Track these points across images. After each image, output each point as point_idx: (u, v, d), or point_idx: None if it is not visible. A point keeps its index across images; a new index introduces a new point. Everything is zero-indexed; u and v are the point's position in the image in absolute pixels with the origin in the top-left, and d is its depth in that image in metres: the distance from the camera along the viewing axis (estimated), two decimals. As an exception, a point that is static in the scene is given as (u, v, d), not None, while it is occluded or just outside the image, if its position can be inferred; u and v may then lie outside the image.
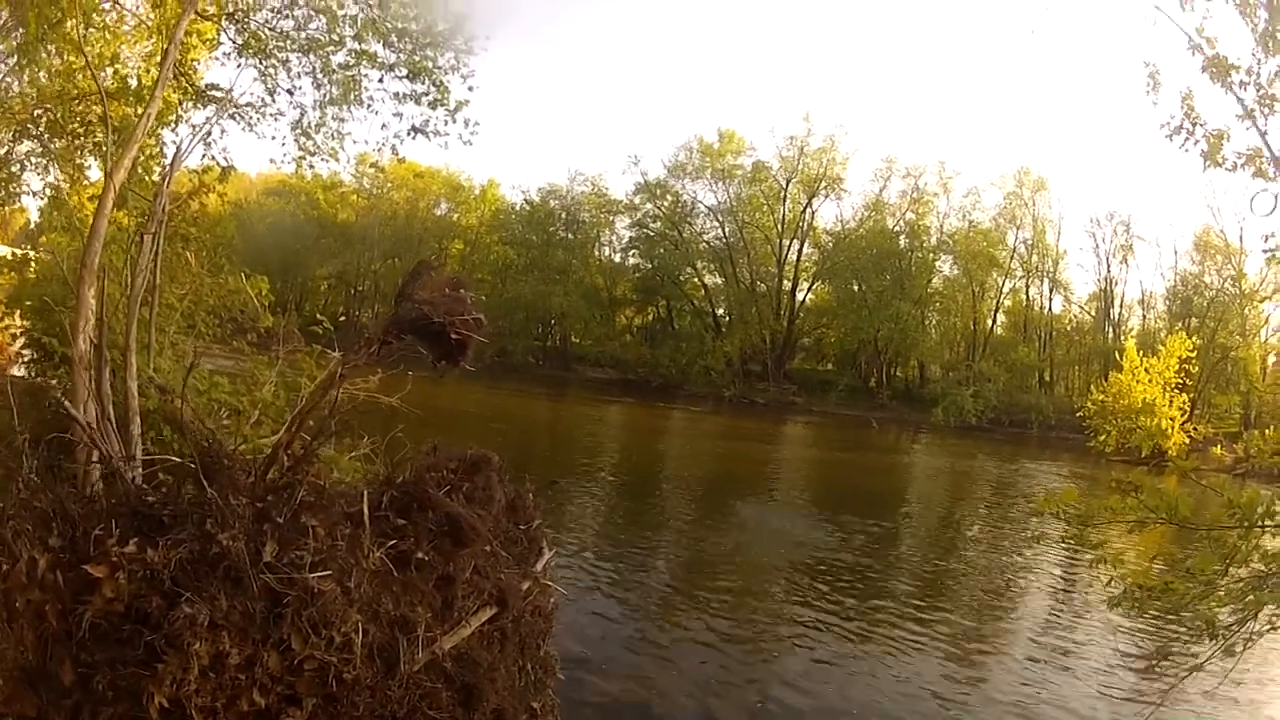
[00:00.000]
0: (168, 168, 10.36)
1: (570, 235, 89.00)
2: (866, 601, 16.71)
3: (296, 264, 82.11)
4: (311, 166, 17.47)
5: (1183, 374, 51.55)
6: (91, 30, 15.78)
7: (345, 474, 7.54)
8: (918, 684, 12.61)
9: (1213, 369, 60.81)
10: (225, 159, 16.22)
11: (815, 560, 19.73)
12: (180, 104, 16.07)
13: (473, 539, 5.69)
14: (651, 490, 29.15)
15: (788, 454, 46.35)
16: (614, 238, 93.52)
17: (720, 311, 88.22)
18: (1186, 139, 8.69)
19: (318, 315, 12.46)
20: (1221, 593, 7.67)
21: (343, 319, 78.41)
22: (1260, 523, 7.23)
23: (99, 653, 4.57)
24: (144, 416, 7.28)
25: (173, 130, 16.04)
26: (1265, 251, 9.59)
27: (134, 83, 15.34)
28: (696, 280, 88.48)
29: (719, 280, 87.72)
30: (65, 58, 15.63)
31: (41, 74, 15.89)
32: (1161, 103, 8.93)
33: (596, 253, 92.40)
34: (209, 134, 15.65)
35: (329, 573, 4.87)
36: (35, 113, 15.81)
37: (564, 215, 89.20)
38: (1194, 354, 52.75)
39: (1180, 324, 65.47)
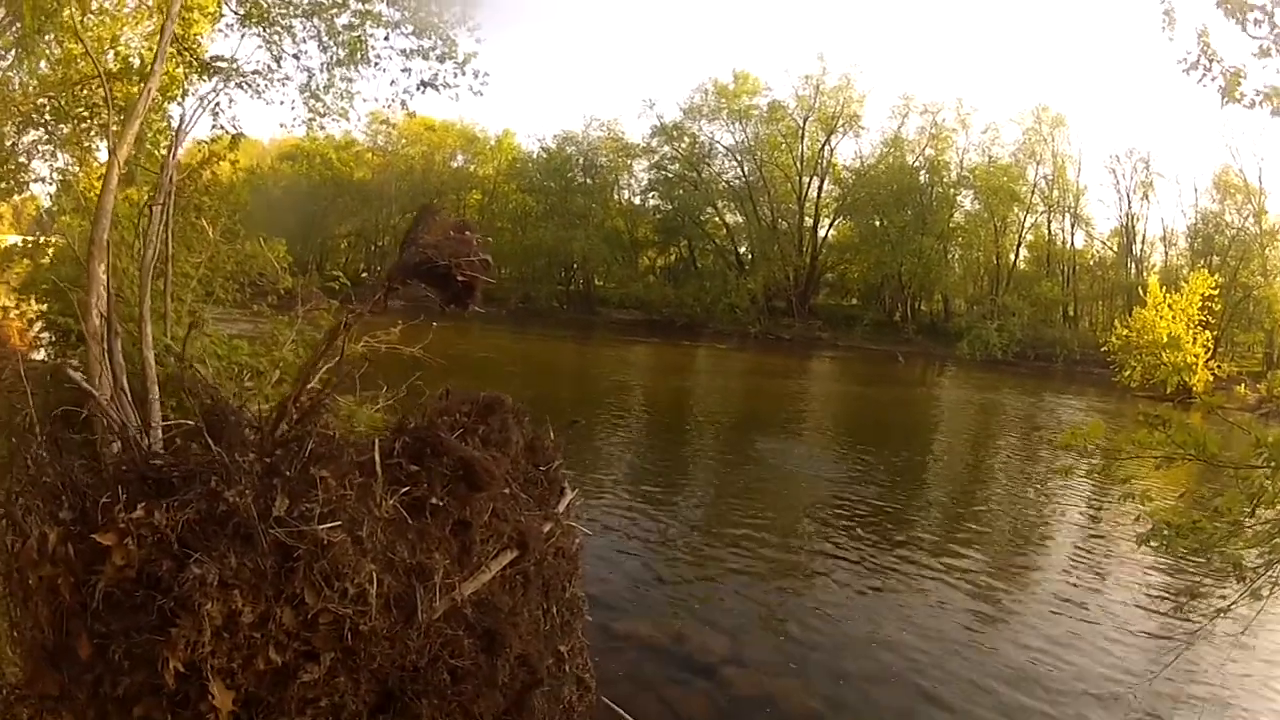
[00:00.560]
0: (173, 140, 10.38)
1: (588, 180, 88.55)
2: (894, 536, 16.72)
3: (315, 225, 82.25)
4: (322, 128, 17.56)
5: (1206, 311, 50.98)
6: (90, 16, 15.76)
7: (366, 425, 7.49)
8: (945, 620, 12.59)
9: (1235, 307, 60.12)
10: (235, 126, 16.24)
11: (842, 495, 19.71)
12: (186, 78, 16.05)
13: (488, 482, 5.60)
14: (678, 428, 29.24)
15: (814, 389, 46.43)
16: (632, 181, 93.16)
17: (743, 250, 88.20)
18: (1204, 75, 8.53)
19: (333, 271, 12.49)
20: (1249, 534, 7.57)
21: (364, 275, 78.32)
22: None
23: (114, 622, 4.49)
24: (163, 385, 7.23)
25: (180, 104, 16.08)
26: None
27: (136, 62, 15.35)
28: (718, 220, 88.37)
29: (740, 219, 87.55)
30: (66, 45, 15.62)
31: (42, 64, 15.89)
32: (1178, 38, 8.76)
33: (616, 196, 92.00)
34: (217, 105, 15.68)
35: (338, 523, 4.79)
36: (39, 102, 15.83)
37: (581, 161, 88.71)
38: (1216, 291, 52.03)
39: (1202, 261, 64.55)
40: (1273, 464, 7.12)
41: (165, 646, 4.34)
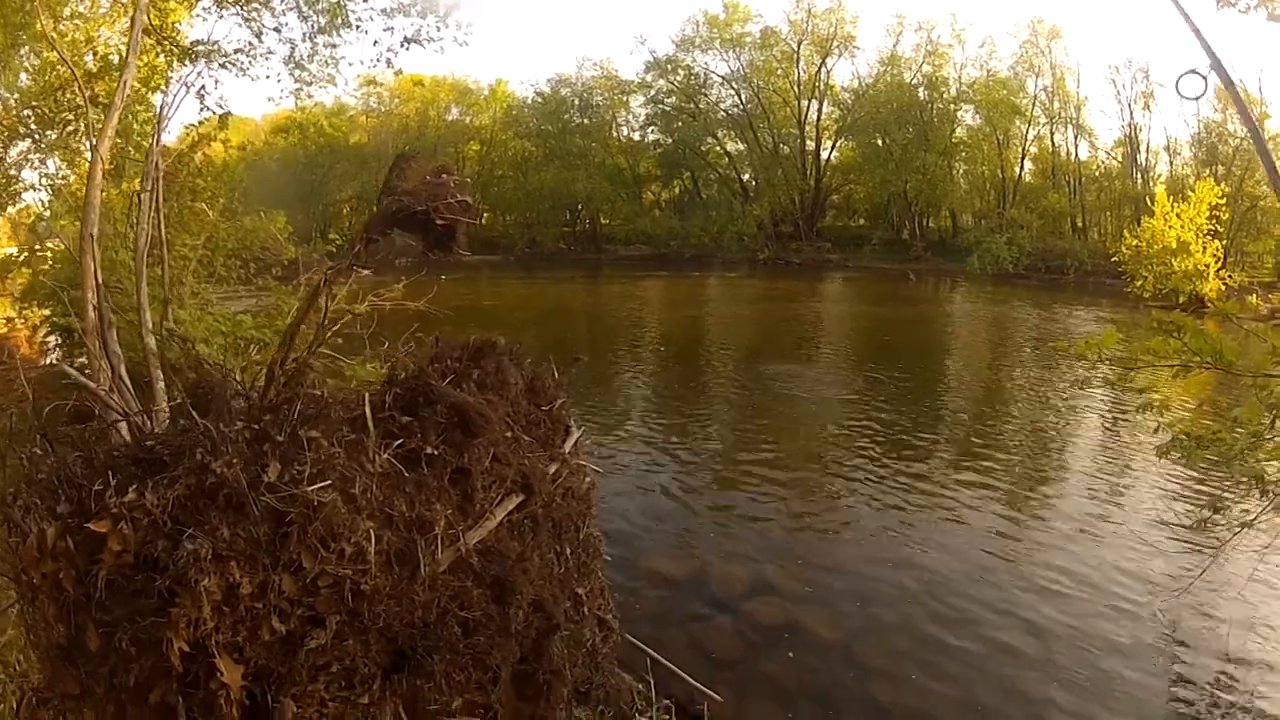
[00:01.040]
0: (156, 127, 10.35)
1: (586, 121, 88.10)
2: (911, 456, 16.70)
3: (314, 194, 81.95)
4: (310, 96, 17.49)
5: (1214, 221, 50.57)
6: (64, 22, 15.69)
7: (366, 382, 7.41)
8: (966, 538, 12.60)
9: (1243, 217, 59.47)
10: (222, 107, 16.16)
11: (857, 417, 19.71)
12: (169, 66, 15.95)
13: (484, 427, 5.48)
14: (689, 360, 29.30)
15: (826, 311, 46.38)
16: (630, 118, 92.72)
17: (746, 177, 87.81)
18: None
19: (330, 235, 12.50)
20: (1270, 445, 7.46)
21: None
22: None
23: (117, 610, 4.40)
24: (170, 367, 7.19)
25: (164, 93, 15.95)
26: None
27: (116, 59, 15.28)
28: (719, 149, 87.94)
29: (741, 147, 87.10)
30: (44, 55, 15.54)
31: (22, 76, 15.83)
32: None
33: (615, 134, 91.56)
34: (202, 89, 15.61)
35: (328, 483, 4.67)
36: (23, 113, 15.78)
37: (577, 102, 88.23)
38: (1224, 201, 51.46)
39: (1208, 171, 63.82)
40: None
41: (167, 627, 4.26)
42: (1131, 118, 73.03)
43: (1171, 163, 73.36)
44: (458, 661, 5.00)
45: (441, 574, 5.03)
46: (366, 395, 5.34)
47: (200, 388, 5.45)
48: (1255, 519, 8.54)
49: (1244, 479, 8.12)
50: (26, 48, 14.99)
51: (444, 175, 5.67)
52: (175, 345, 7.75)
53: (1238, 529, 9.24)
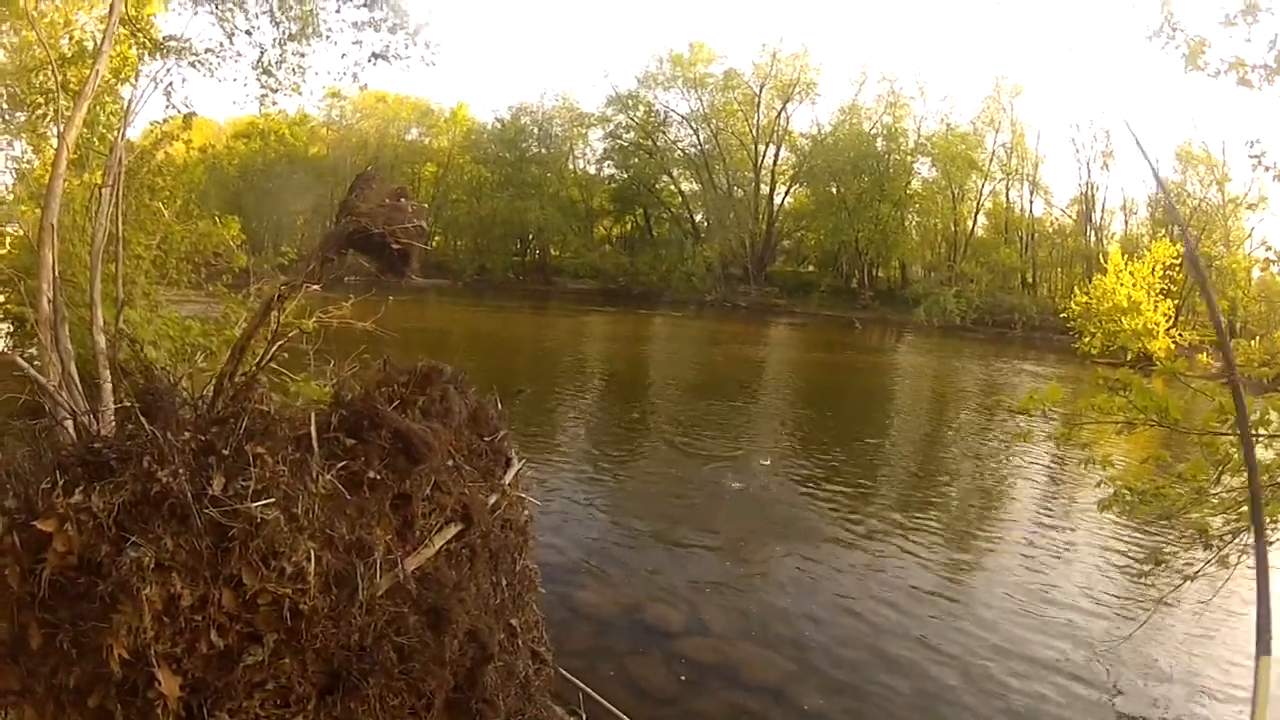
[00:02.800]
0: (122, 121, 10.30)
1: (543, 150, 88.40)
2: (853, 502, 16.75)
3: (270, 203, 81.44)
4: (275, 103, 17.36)
5: (1167, 280, 51.40)
6: (44, 3, 15.60)
7: (312, 400, 7.39)
8: (906, 586, 12.63)
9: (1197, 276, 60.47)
10: (187, 105, 16.09)
11: (800, 462, 19.83)
12: (140, 59, 15.89)
13: (427, 455, 5.46)
14: (633, 397, 29.33)
15: (771, 356, 46.61)
16: (588, 150, 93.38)
17: (699, 218, 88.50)
18: (1167, 42, 8.52)
19: (283, 248, 12.44)
20: (1214, 501, 7.59)
21: (320, 252, 78.11)
22: (1254, 430, 7.06)
23: (61, 610, 4.39)
24: (118, 368, 7.13)
25: (133, 86, 15.88)
26: (1251, 157, 9.48)
27: (91, 46, 15.19)
28: (673, 188, 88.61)
29: (696, 187, 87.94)
30: (23, 33, 15.41)
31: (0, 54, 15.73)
32: (1140, 4, 8.80)
33: (571, 166, 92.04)
34: (170, 85, 15.55)
35: (272, 500, 4.65)
36: None
37: (536, 131, 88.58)
38: (1178, 260, 52.47)
39: (1163, 231, 65.05)
40: (1238, 431, 7.08)
41: (108, 634, 4.25)
42: (1089, 176, 74.17)
43: (1127, 221, 74.71)
44: (392, 686, 4.97)
45: (379, 598, 5.00)
46: (313, 415, 5.32)
47: (149, 393, 5.39)
48: (1199, 572, 8.64)
49: (1188, 533, 8.22)
50: (8, 24, 14.84)
51: (402, 199, 5.67)
52: (125, 346, 7.67)
53: (1179, 582, 9.34)
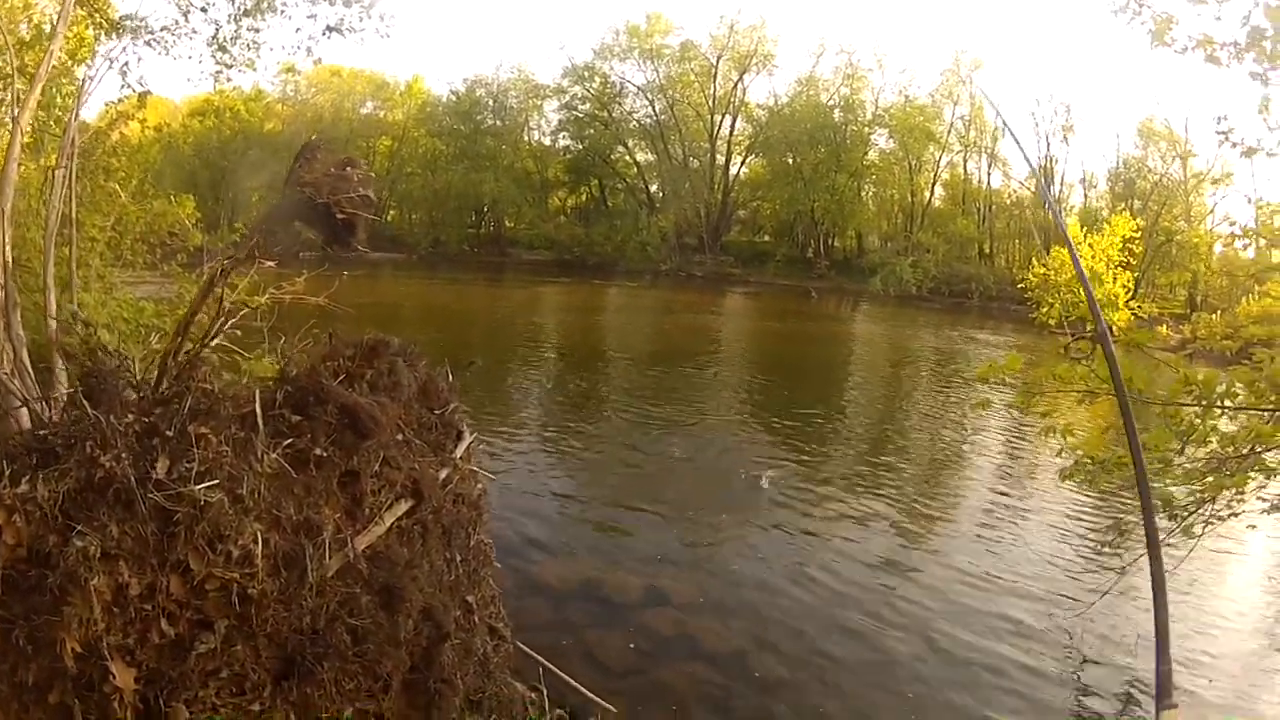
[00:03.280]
0: (75, 102, 10.18)
1: (499, 122, 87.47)
2: (810, 472, 16.79)
3: (225, 181, 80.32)
4: (229, 79, 17.13)
5: (1127, 253, 51.62)
6: None
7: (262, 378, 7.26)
8: (866, 556, 12.64)
9: (1157, 251, 60.78)
10: (142, 84, 15.88)
11: (757, 432, 19.88)
12: (96, 39, 15.66)
13: (374, 429, 5.37)
14: (588, 368, 29.21)
15: (727, 325, 46.73)
16: (543, 122, 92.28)
17: (654, 188, 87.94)
18: (1133, 18, 8.45)
19: (234, 225, 12.30)
20: (1178, 472, 7.59)
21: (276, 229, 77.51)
22: (1220, 402, 7.18)
23: (14, 606, 4.27)
24: (72, 353, 7.01)
25: (89, 67, 15.64)
26: (1219, 133, 9.48)
27: (49, 28, 14.96)
28: (628, 159, 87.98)
29: (651, 158, 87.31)
30: None
31: None
32: None
33: (526, 138, 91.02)
34: (125, 65, 15.35)
35: (215, 482, 4.53)
36: None
37: (491, 103, 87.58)
38: (1138, 234, 52.74)
39: (1123, 205, 65.28)
40: (1203, 402, 7.08)
41: (60, 627, 4.17)
42: (1048, 149, 74.21)
43: (1086, 195, 74.89)
44: (347, 669, 4.90)
45: (330, 579, 4.93)
46: (257, 392, 5.20)
47: (92, 376, 5.25)
48: (1161, 542, 8.61)
49: (1155, 502, 8.19)
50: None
51: (349, 168, 5.53)
52: (78, 330, 7.52)
53: (1142, 552, 9.33)
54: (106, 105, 15.47)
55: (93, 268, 11.77)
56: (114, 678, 4.22)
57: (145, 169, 16.25)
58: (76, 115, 9.58)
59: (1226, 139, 9.49)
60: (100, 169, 13.84)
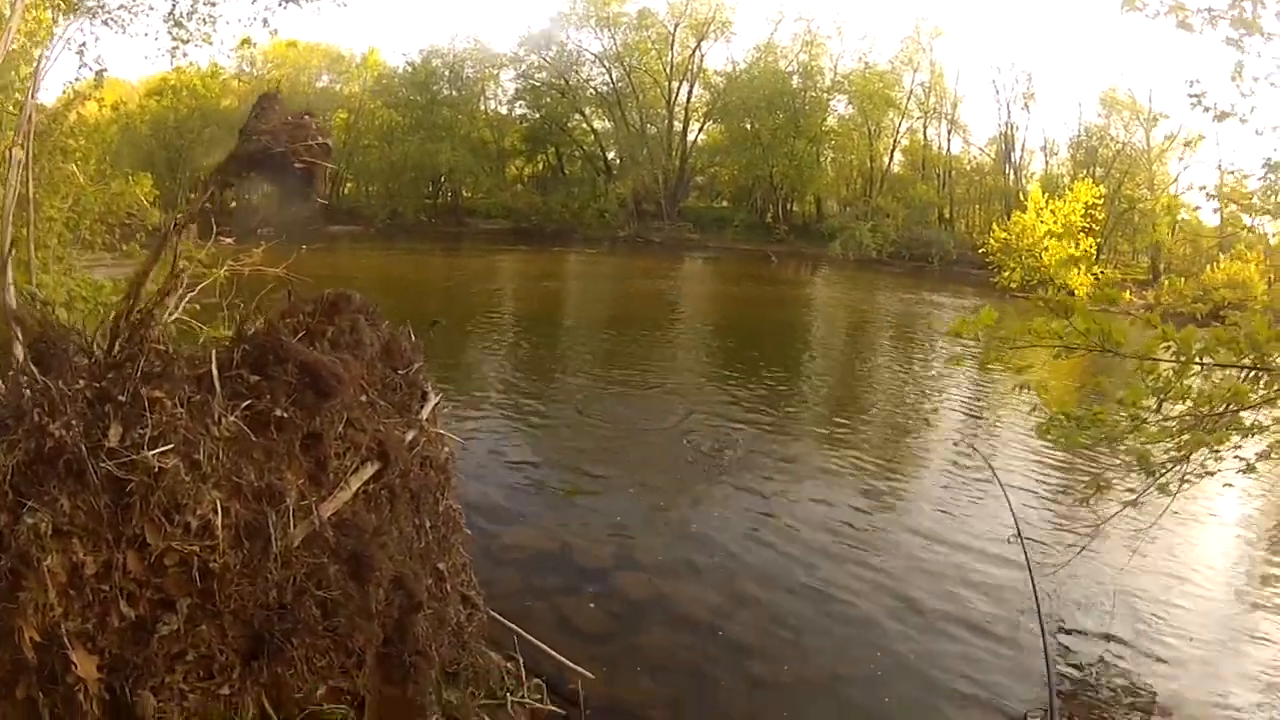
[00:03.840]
0: (32, 82, 10.05)
1: (455, 93, 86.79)
2: (774, 432, 16.85)
3: (182, 159, 79.73)
4: (185, 55, 16.90)
5: (1089, 220, 51.90)
6: None
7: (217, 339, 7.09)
8: (835, 517, 12.63)
9: (1120, 217, 61.21)
10: (99, 64, 15.66)
11: (721, 394, 19.78)
12: (54, 21, 15.38)
13: (337, 388, 5.16)
14: (549, 333, 29.27)
15: (686, 289, 46.99)
16: (499, 91, 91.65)
17: (611, 155, 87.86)
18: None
19: (187, 198, 12.23)
20: (1154, 429, 7.58)
21: (234, 205, 76.92)
22: (1199, 359, 7.13)
23: None
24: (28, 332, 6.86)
25: (49, 49, 15.39)
26: (1191, 96, 9.51)
27: (8, 13, 14.75)
28: (585, 126, 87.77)
29: (608, 125, 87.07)
30: None
31: None
32: None
33: (482, 107, 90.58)
34: (83, 45, 15.15)
35: (170, 446, 4.29)
36: None
37: (447, 74, 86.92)
38: (1100, 201, 53.07)
39: (1085, 172, 65.62)
40: (1181, 358, 7.09)
41: (17, 615, 3.97)
42: (1009, 116, 74.48)
43: (1047, 162, 75.30)
44: (318, 645, 4.72)
45: (295, 550, 4.74)
46: (213, 352, 4.95)
47: (43, 342, 5.01)
48: (1139, 498, 8.61)
49: (1127, 458, 8.18)
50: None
51: (306, 117, 5.27)
52: (36, 310, 7.35)
53: (1120, 508, 9.30)
54: (65, 87, 15.49)
55: (51, 249, 11.68)
56: (75, 667, 4.02)
57: (103, 149, 16.13)
58: (34, 96, 9.44)
59: (1199, 103, 9.56)
60: (58, 149, 13.85)
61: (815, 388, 22.64)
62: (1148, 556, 11.41)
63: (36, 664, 3.96)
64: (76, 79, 15.32)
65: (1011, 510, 10.24)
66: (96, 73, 15.43)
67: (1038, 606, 8.77)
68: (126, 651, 4.17)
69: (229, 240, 5.44)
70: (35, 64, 13.94)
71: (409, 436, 5.88)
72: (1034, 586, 8.64)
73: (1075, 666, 9.17)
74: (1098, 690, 8.71)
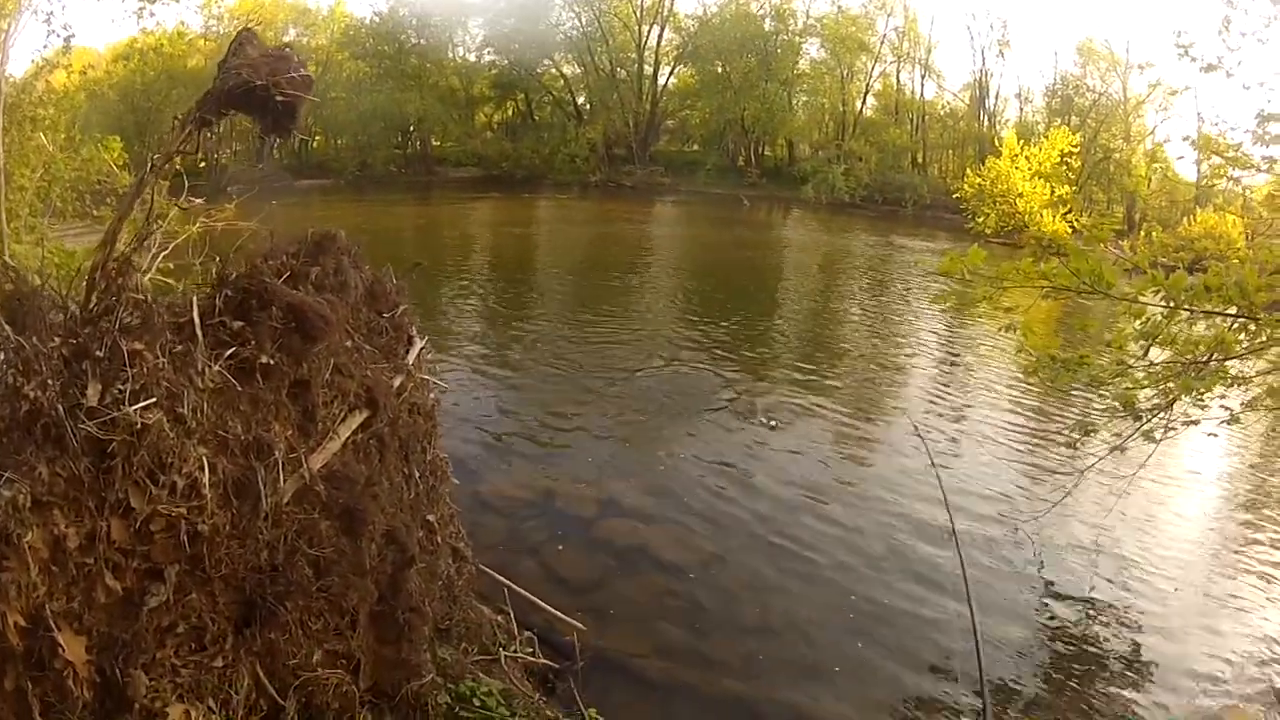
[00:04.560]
0: (2, 53, 9.87)
1: (422, 41, 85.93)
2: (755, 377, 16.87)
3: (151, 123, 78.91)
4: (152, 14, 16.63)
5: (1065, 168, 51.84)
6: None
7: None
8: (817, 459, 12.75)
9: (1095, 167, 61.22)
10: (66, 30, 15.45)
11: (698, 338, 19.72)
12: None
13: (324, 330, 4.95)
14: (522, 279, 29.13)
15: (658, 233, 46.91)
16: (467, 38, 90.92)
17: (581, 100, 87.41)
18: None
19: (153, 157, 12.05)
20: (1140, 374, 7.69)
21: (203, 164, 76.36)
22: (1189, 304, 7.18)
23: None
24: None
25: (16, 19, 15.17)
26: (1178, 47, 9.55)
27: None
28: (555, 71, 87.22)
29: (578, 70, 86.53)
30: None
31: None
32: None
33: (451, 55, 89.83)
34: (50, 14, 14.93)
35: (153, 400, 4.10)
36: None
37: (415, 22, 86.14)
38: (1076, 150, 52.97)
39: (1060, 120, 65.61)
40: (1170, 302, 7.12)
41: None
42: (984, 63, 74.42)
43: (1022, 109, 75.14)
44: (312, 607, 4.58)
45: (286, 506, 4.57)
46: (194, 299, 4.74)
47: (15, 299, 4.80)
48: (1125, 442, 8.57)
49: (1113, 403, 8.15)
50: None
51: (287, 50, 5.06)
52: (9, 280, 7.17)
53: (1106, 453, 9.27)
54: (34, 56, 15.34)
55: (23, 219, 11.58)
56: (63, 650, 3.84)
57: (72, 117, 16.00)
58: (3, 69, 9.24)
59: (1186, 53, 9.60)
60: (27, 119, 13.83)
61: (792, 329, 22.61)
62: (1126, 514, 11.43)
63: (23, 651, 3.77)
64: (45, 46, 15.16)
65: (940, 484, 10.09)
66: (65, 39, 15.27)
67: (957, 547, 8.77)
68: (115, 628, 4.00)
69: (199, 201, 5.28)
70: (3, 36, 13.78)
71: (397, 382, 5.73)
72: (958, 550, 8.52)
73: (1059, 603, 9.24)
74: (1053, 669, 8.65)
